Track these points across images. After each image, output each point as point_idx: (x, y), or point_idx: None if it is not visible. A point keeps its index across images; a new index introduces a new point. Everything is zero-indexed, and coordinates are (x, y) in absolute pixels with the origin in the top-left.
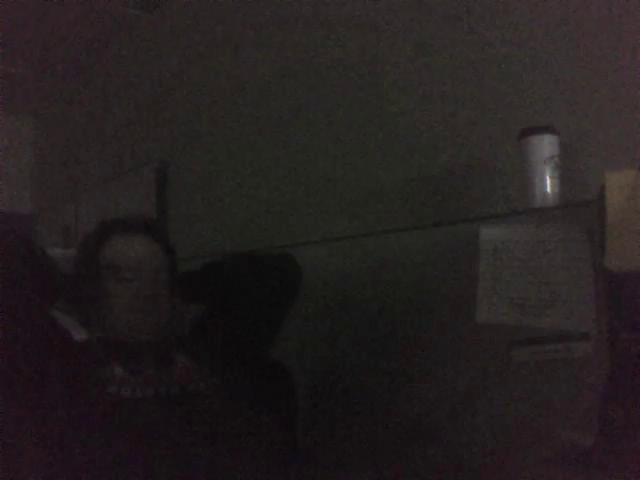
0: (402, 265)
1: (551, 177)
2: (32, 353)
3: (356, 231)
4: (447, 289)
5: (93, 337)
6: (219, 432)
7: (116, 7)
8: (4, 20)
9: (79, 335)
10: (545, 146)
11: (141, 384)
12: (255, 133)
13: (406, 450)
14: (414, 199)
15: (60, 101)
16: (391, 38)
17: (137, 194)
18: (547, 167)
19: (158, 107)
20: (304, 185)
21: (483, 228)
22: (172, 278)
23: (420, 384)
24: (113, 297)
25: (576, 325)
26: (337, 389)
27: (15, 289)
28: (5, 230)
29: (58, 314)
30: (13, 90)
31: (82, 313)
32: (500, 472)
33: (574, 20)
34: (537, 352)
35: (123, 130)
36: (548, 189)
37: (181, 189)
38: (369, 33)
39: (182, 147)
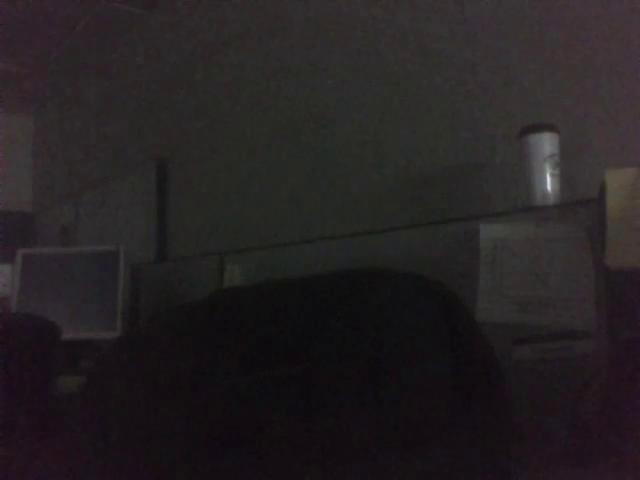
0: (402, 264)
1: (551, 175)
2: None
3: (356, 230)
4: None
5: None
6: None
7: (116, 6)
8: (4, 19)
9: None
10: (545, 144)
11: None
12: (255, 132)
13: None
14: (414, 198)
15: (60, 101)
16: (391, 38)
17: (137, 193)
18: (547, 165)
19: (158, 106)
20: (304, 185)
21: (483, 226)
22: None
23: None
24: None
25: (576, 323)
26: None
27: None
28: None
29: None
30: (13, 90)
31: None
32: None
33: (574, 19)
34: (537, 350)
35: (123, 129)
36: (548, 187)
37: (181, 188)
38: (368, 33)
39: (182, 146)
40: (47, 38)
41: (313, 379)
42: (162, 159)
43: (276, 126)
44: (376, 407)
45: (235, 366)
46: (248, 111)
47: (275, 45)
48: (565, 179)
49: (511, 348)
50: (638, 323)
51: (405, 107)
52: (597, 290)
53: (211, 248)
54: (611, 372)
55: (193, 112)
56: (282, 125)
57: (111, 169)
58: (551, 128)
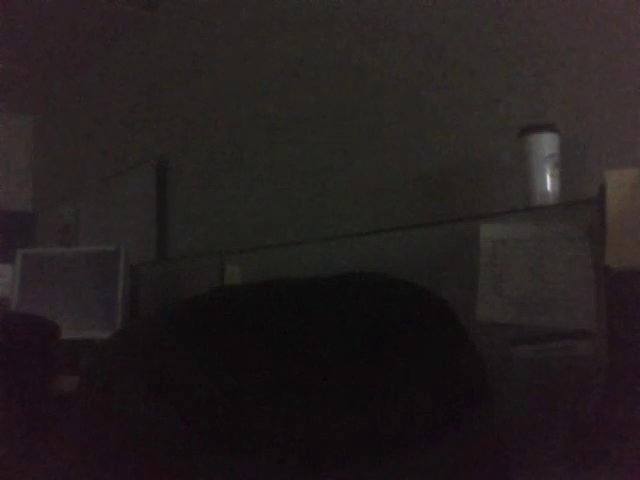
0: (402, 264)
1: (551, 175)
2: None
3: (356, 230)
4: (447, 287)
5: None
6: None
7: (116, 6)
8: (4, 19)
9: None
10: (545, 144)
11: None
12: (255, 132)
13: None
14: (414, 198)
15: (60, 101)
16: (391, 38)
17: (137, 193)
18: (547, 165)
19: (158, 106)
20: (304, 185)
21: (483, 226)
22: None
23: None
24: None
25: (576, 323)
26: None
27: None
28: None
29: None
30: (13, 89)
31: None
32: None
33: (574, 19)
34: (537, 350)
35: (123, 129)
36: (548, 187)
37: (181, 188)
38: (369, 33)
39: (182, 145)
40: (47, 38)
41: (309, 379)
42: (162, 159)
43: (276, 126)
44: (370, 409)
45: (235, 365)
46: (248, 111)
47: (275, 45)
48: (565, 179)
49: (511, 348)
50: (638, 323)
51: (404, 107)
52: (597, 290)
53: (211, 248)
54: (611, 372)
55: (193, 112)
56: (282, 125)
57: (111, 169)
58: (551, 128)
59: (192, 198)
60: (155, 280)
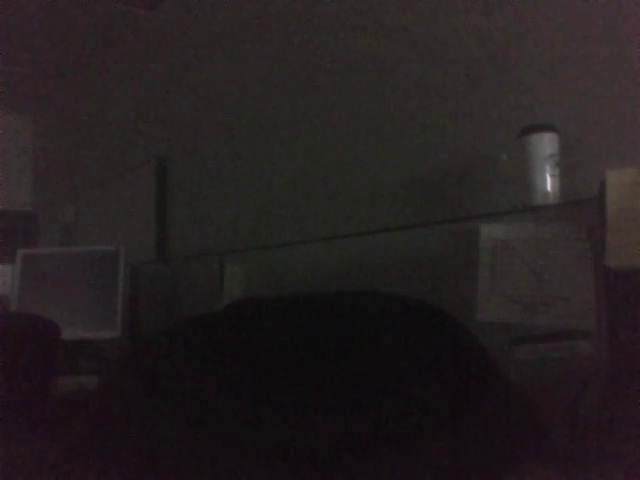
0: (402, 264)
1: (551, 175)
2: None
3: (356, 230)
4: (447, 287)
5: None
6: None
7: (116, 5)
8: (4, 20)
9: None
10: (545, 144)
11: None
12: (255, 132)
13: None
14: (414, 198)
15: (60, 101)
16: (391, 39)
17: (137, 193)
18: (547, 165)
19: (158, 106)
20: (304, 184)
21: (483, 226)
22: None
23: None
24: None
25: (576, 323)
26: None
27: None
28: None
29: None
30: (13, 90)
31: None
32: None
33: (574, 19)
34: (537, 350)
35: (123, 129)
36: (548, 187)
37: (181, 188)
38: (369, 34)
39: (182, 145)
40: (47, 38)
41: (309, 380)
42: (162, 159)
43: (276, 126)
44: (370, 408)
45: (235, 367)
46: (248, 111)
47: (274, 44)
48: (565, 179)
49: (511, 348)
50: (638, 323)
51: (404, 107)
52: (597, 290)
53: (211, 248)
54: (611, 372)
55: (193, 112)
56: (282, 125)
57: (111, 169)
58: (551, 128)
59: (192, 198)
60: (155, 280)
